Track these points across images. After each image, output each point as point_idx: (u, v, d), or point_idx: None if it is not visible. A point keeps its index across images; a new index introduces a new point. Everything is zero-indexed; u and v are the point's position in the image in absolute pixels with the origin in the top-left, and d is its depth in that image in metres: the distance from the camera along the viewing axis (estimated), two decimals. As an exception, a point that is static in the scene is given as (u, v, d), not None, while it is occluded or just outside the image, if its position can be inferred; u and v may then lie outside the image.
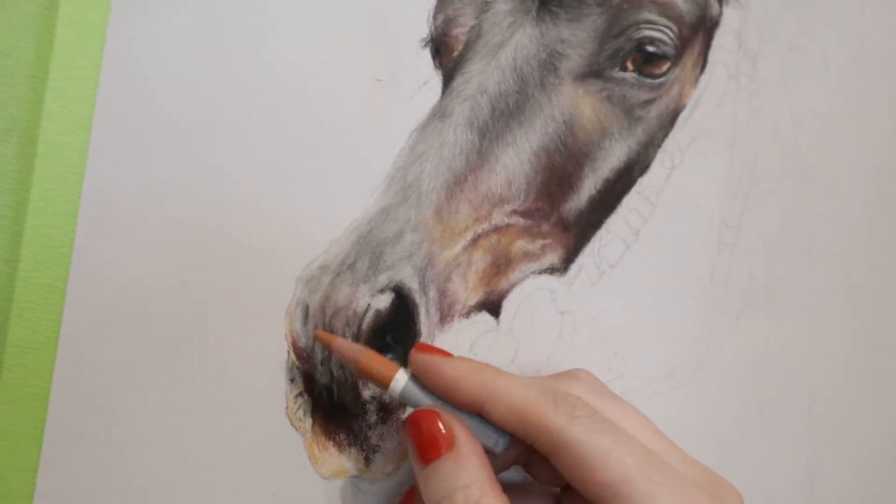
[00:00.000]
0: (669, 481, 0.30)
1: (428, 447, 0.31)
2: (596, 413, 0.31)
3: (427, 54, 0.37)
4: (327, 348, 0.34)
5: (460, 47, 0.37)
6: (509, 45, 0.37)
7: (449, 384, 0.32)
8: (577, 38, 0.38)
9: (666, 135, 0.41)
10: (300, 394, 0.35)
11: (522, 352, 0.39)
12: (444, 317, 0.37)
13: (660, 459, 0.31)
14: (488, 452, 0.32)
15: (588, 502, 0.31)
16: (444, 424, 0.32)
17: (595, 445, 0.30)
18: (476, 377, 0.32)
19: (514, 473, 0.37)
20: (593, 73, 0.38)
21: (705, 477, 0.32)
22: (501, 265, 0.38)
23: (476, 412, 0.32)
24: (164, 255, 0.32)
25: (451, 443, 0.31)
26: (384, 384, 0.32)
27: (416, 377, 0.33)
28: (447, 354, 0.33)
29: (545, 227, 0.39)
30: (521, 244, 0.38)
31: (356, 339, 0.35)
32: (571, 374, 0.35)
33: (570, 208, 0.39)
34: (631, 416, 0.33)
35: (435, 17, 0.36)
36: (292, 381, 0.35)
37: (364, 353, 0.33)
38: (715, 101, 0.43)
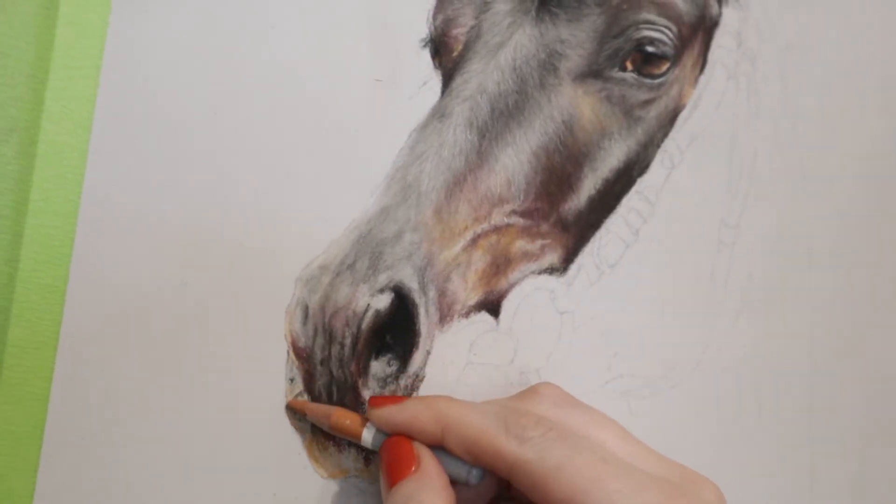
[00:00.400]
0: (628, 487, 0.29)
1: (395, 469, 0.32)
2: (552, 429, 0.31)
3: (427, 54, 0.37)
4: (300, 414, 0.35)
5: (460, 47, 0.37)
6: (509, 46, 0.37)
7: (406, 429, 0.33)
8: (576, 38, 0.38)
9: (665, 135, 0.41)
10: (300, 393, 0.35)
11: (522, 352, 0.39)
12: (444, 317, 0.37)
13: (618, 466, 0.30)
14: (467, 486, 0.33)
15: None
16: (409, 450, 0.32)
17: (548, 463, 0.30)
18: (428, 414, 0.32)
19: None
20: (593, 73, 0.38)
21: (677, 474, 0.32)
22: (501, 265, 0.38)
23: (439, 447, 0.33)
24: (164, 255, 0.32)
25: (415, 465, 0.32)
26: (356, 438, 0.34)
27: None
28: (399, 400, 0.33)
29: (545, 227, 0.39)
30: (520, 244, 0.38)
31: (356, 339, 0.35)
32: (534, 390, 0.35)
33: (569, 208, 0.39)
34: (595, 423, 0.33)
35: (434, 17, 0.36)
36: (292, 380, 0.35)
37: (333, 413, 0.34)
38: (714, 101, 0.43)
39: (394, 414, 0.33)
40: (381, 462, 0.33)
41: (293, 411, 0.35)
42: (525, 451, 0.30)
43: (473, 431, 0.31)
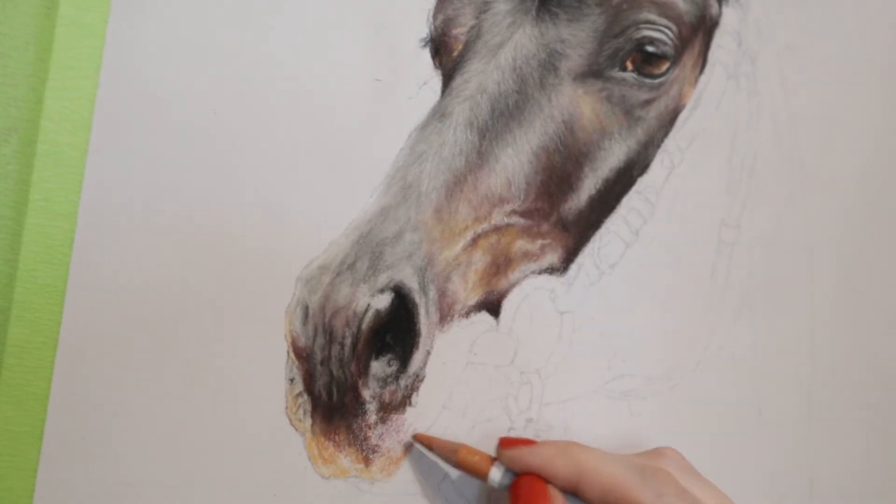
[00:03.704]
0: None
1: None
2: (684, 493, 0.33)
3: (427, 54, 0.37)
4: (426, 447, 0.36)
5: (460, 47, 0.37)
6: (509, 45, 0.37)
7: (539, 471, 0.34)
8: (576, 38, 0.38)
9: (666, 134, 0.41)
10: (300, 394, 0.35)
11: (522, 351, 0.39)
12: (444, 317, 0.37)
13: None
14: None
15: None
16: (544, 490, 0.34)
17: None
18: (563, 460, 0.34)
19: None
20: (593, 73, 0.38)
21: None
22: (501, 265, 0.38)
23: (571, 492, 0.34)
24: (164, 254, 0.32)
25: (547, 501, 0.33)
26: (482, 477, 0.35)
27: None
28: (530, 442, 0.35)
29: (545, 227, 0.39)
30: (520, 244, 0.38)
31: (356, 339, 0.35)
32: (659, 452, 0.36)
33: (569, 208, 0.39)
34: (713, 496, 0.35)
35: (435, 17, 0.36)
36: (292, 380, 0.35)
37: (460, 449, 0.35)
38: (714, 100, 0.43)
39: (526, 456, 0.35)
40: (512, 496, 0.34)
41: (420, 443, 0.36)
42: None
43: (612, 480, 0.33)
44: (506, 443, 0.35)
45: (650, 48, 0.39)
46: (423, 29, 0.36)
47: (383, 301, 0.35)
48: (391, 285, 0.35)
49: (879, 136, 0.49)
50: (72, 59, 0.31)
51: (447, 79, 0.37)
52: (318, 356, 0.35)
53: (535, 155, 0.38)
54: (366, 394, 0.35)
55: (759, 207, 0.45)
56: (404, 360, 0.36)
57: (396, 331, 0.36)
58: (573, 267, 0.40)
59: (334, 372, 0.35)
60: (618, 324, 0.41)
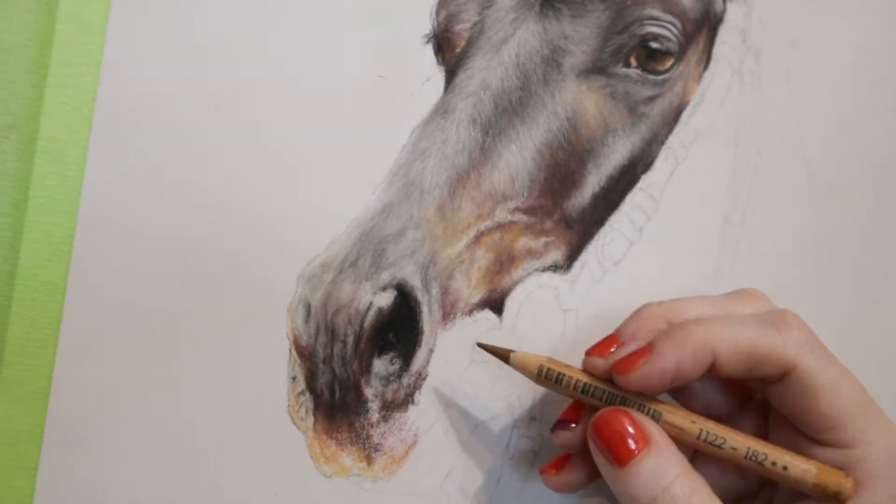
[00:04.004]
0: (881, 422, 0.32)
1: (623, 447, 0.31)
2: (815, 338, 0.32)
3: (430, 51, 0.36)
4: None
5: (463, 43, 0.37)
6: (512, 41, 0.37)
7: (677, 378, 0.32)
8: (580, 34, 0.38)
9: (670, 131, 0.41)
10: (302, 392, 0.35)
11: (525, 349, 0.39)
12: (447, 314, 0.37)
13: (871, 399, 0.33)
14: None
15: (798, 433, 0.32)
16: (636, 424, 0.31)
17: (823, 377, 0.31)
18: (688, 350, 0.31)
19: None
20: (597, 69, 0.38)
21: None
22: (504, 262, 0.38)
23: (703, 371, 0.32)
24: (165, 252, 0.32)
25: (647, 439, 0.31)
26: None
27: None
28: (642, 354, 0.32)
29: (548, 225, 0.38)
30: (524, 241, 0.38)
31: (358, 337, 0.35)
32: (749, 293, 0.36)
33: (573, 205, 0.39)
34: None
35: (438, 13, 0.36)
36: (294, 379, 0.34)
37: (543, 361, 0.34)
38: (718, 97, 0.42)
39: (657, 367, 0.31)
40: (596, 437, 0.32)
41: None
42: (805, 357, 0.32)
43: (749, 345, 0.32)
44: (619, 367, 0.32)
45: (654, 44, 0.39)
46: (426, 25, 0.36)
47: (386, 299, 0.35)
48: (394, 283, 0.35)
49: (884, 133, 0.48)
50: (72, 55, 0.30)
51: (450, 75, 0.37)
52: (321, 354, 0.34)
53: (539, 152, 0.38)
54: (368, 392, 0.35)
55: (764, 205, 0.45)
56: (407, 359, 0.36)
57: (399, 329, 0.35)
58: (577, 264, 0.40)
59: (336, 370, 0.35)
60: (621, 321, 0.41)
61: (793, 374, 0.32)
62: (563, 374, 0.33)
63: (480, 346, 0.35)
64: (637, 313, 0.36)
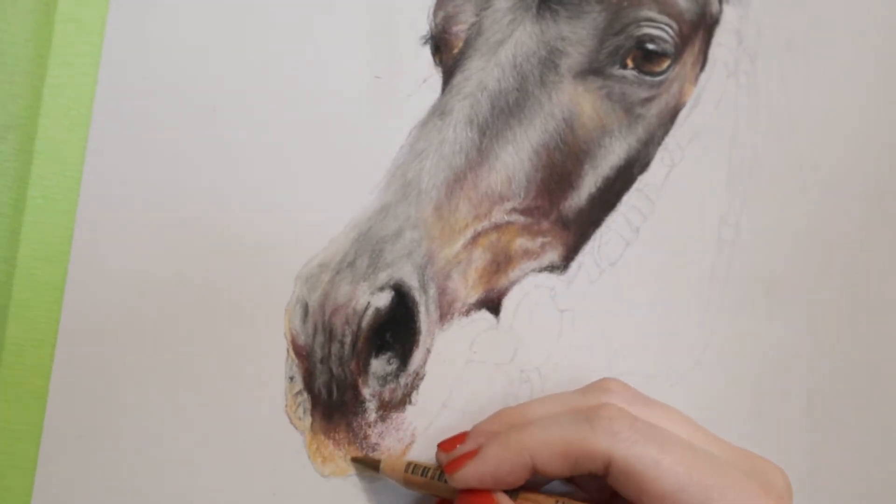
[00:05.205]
0: (722, 480, 0.31)
1: None
2: (636, 421, 0.31)
3: (427, 52, 0.36)
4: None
5: (460, 44, 0.37)
6: (509, 43, 0.37)
7: (495, 481, 0.32)
8: (577, 35, 0.38)
9: (666, 132, 0.41)
10: (299, 392, 0.35)
11: (522, 350, 0.39)
12: (444, 315, 0.37)
13: (706, 456, 0.31)
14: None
15: None
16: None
17: (643, 458, 0.30)
18: (510, 455, 0.32)
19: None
20: (593, 70, 0.38)
21: (747, 462, 0.33)
22: (501, 263, 0.38)
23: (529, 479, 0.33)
24: (163, 253, 0.32)
25: None
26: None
27: None
28: (471, 455, 0.33)
29: (545, 225, 0.39)
30: (521, 242, 0.38)
31: (356, 337, 0.35)
32: (602, 387, 0.35)
33: (570, 206, 0.39)
34: (666, 416, 0.33)
35: (435, 14, 0.36)
36: (291, 379, 0.34)
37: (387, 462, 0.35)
38: (714, 98, 0.43)
39: (477, 471, 0.32)
40: None
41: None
42: (617, 447, 0.31)
43: (563, 443, 0.31)
44: (450, 467, 0.33)
45: (650, 46, 0.39)
46: (423, 26, 0.36)
47: (383, 299, 0.35)
48: (391, 283, 0.35)
49: (880, 134, 0.49)
50: (70, 55, 0.30)
51: (447, 76, 0.37)
52: (318, 354, 0.34)
53: (536, 152, 0.38)
54: (365, 392, 0.35)
55: (759, 206, 0.45)
56: (404, 359, 0.36)
57: (396, 329, 0.36)
58: (573, 265, 0.40)
59: (334, 370, 0.35)
60: (618, 322, 0.41)
61: (612, 466, 0.31)
62: (428, 468, 0.35)
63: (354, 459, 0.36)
64: (495, 414, 0.36)
